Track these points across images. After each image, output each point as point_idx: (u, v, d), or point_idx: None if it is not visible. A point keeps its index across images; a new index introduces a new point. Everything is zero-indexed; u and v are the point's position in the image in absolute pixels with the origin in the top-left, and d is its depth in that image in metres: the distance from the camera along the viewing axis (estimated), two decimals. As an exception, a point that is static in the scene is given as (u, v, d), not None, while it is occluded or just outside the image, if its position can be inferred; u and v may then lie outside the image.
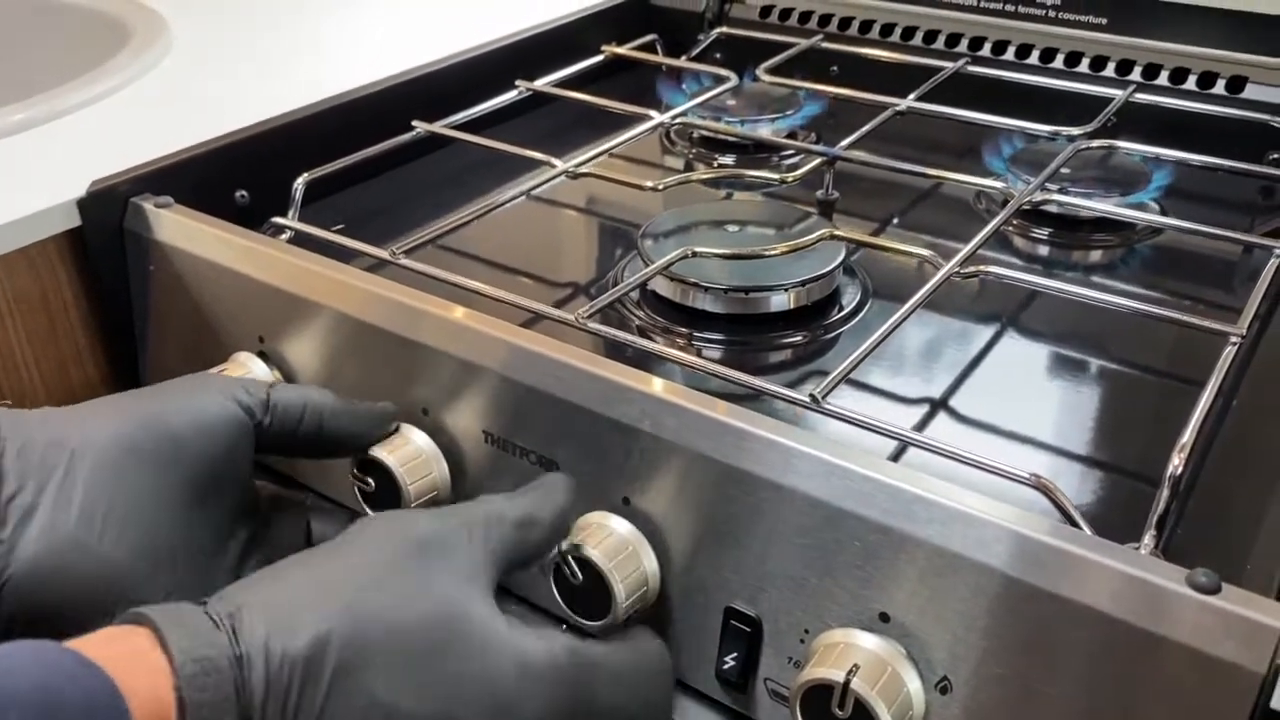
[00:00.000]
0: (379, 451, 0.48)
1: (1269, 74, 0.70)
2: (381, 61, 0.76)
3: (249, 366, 0.55)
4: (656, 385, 0.44)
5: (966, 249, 0.53)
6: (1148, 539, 0.39)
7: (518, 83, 0.77)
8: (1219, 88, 0.72)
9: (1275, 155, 0.69)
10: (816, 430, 0.43)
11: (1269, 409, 0.49)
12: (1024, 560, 0.36)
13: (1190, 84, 0.73)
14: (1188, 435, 0.41)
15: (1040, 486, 0.39)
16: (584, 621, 0.44)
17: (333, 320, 0.52)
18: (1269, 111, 0.69)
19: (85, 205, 0.58)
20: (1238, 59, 0.71)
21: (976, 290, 0.58)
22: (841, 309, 0.57)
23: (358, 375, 0.52)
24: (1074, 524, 0.38)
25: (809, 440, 0.40)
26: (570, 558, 0.43)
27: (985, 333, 0.55)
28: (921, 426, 0.48)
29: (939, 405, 0.50)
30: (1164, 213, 0.66)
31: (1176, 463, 0.40)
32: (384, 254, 0.55)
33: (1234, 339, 0.46)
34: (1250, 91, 0.71)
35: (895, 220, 0.67)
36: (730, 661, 0.43)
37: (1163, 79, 0.74)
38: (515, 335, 0.47)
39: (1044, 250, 0.64)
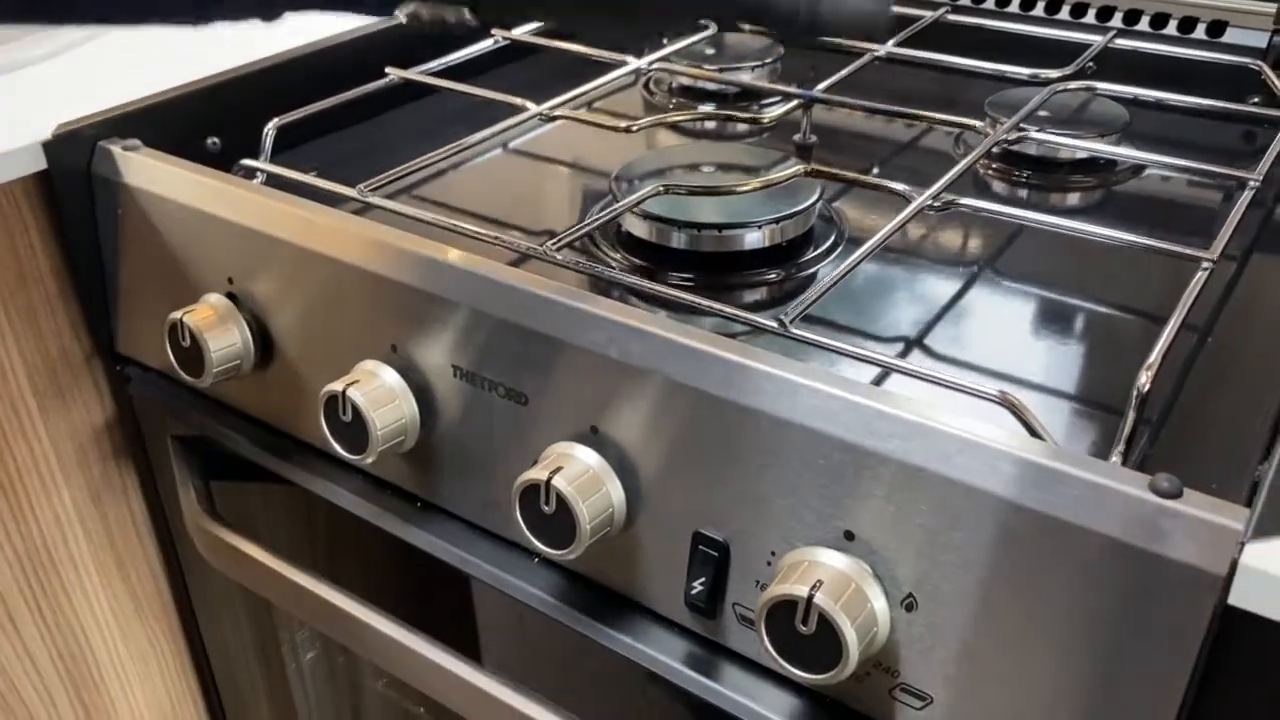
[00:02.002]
0: (348, 389, 0.48)
1: (1249, 18, 0.70)
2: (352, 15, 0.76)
3: (217, 308, 0.55)
4: (622, 311, 0.43)
5: (940, 183, 0.53)
6: (1115, 456, 0.39)
7: (495, 31, 0.76)
8: (1199, 32, 0.72)
9: (1256, 99, 0.69)
10: (787, 360, 0.43)
11: (1245, 339, 0.48)
12: (986, 472, 0.36)
13: (1171, 29, 0.72)
14: (1154, 355, 0.41)
15: (1007, 403, 0.39)
16: (550, 551, 0.44)
17: (301, 258, 0.52)
18: (1249, 55, 0.68)
19: (51, 148, 0.58)
20: (1218, 4, 0.71)
21: (953, 232, 0.58)
22: (817, 249, 0.57)
23: (327, 313, 0.52)
24: (1039, 437, 0.38)
25: (771, 360, 0.40)
26: (539, 487, 0.43)
27: (963, 273, 0.55)
28: (897, 358, 0.48)
29: (915, 341, 0.50)
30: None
31: (1143, 380, 0.39)
32: (352, 192, 0.55)
33: (1205, 264, 0.46)
34: (1231, 35, 0.70)
35: (875, 169, 0.67)
36: (698, 587, 0.43)
37: (1143, 24, 0.73)
38: (483, 267, 0.47)
39: (1023, 192, 0.63)
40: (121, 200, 0.59)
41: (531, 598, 0.48)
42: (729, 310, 0.45)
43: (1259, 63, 0.68)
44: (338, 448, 0.50)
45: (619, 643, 0.45)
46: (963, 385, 0.40)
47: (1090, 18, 0.75)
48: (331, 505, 0.55)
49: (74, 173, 0.59)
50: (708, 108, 0.75)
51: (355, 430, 0.49)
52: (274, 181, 0.58)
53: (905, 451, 0.37)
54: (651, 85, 0.78)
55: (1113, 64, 0.72)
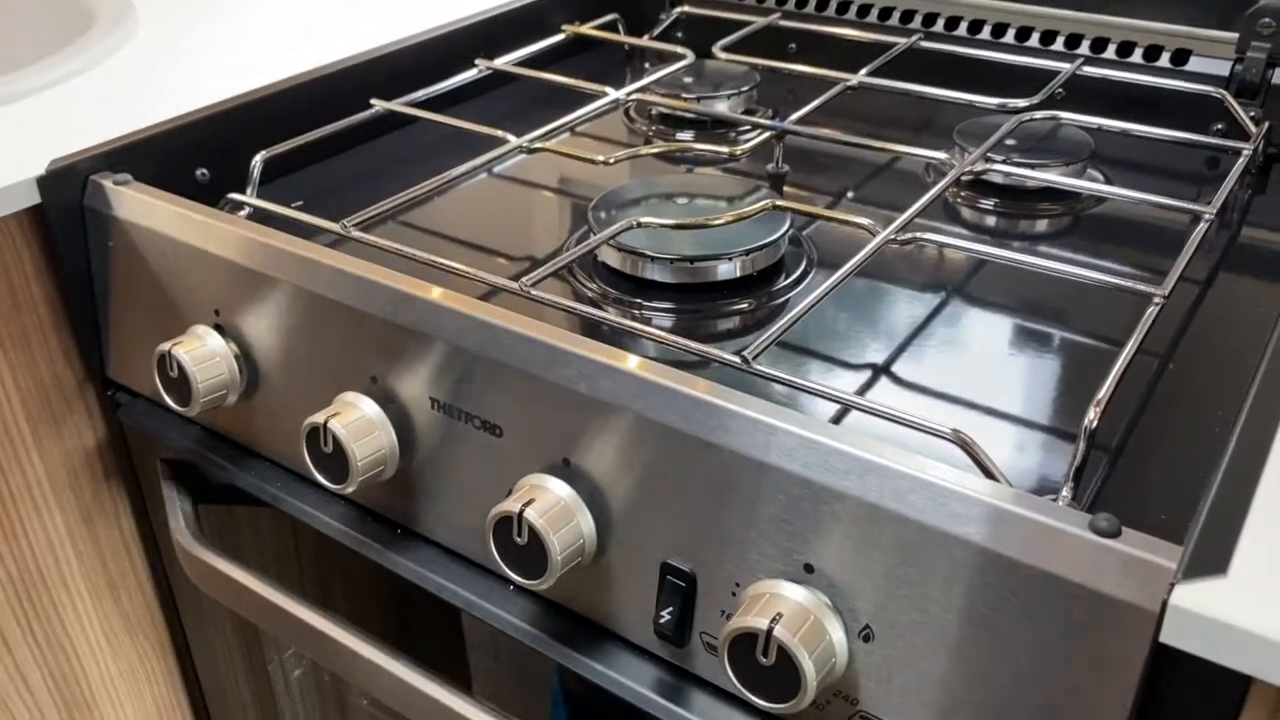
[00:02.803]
0: (329, 421, 0.50)
1: (1213, 47, 0.71)
2: (345, 42, 0.77)
3: (205, 339, 0.56)
4: (592, 348, 0.45)
5: (903, 217, 0.55)
6: (1066, 491, 0.40)
7: (478, 61, 0.78)
8: (1164, 60, 0.73)
9: (1219, 126, 0.71)
10: (757, 395, 0.44)
11: (1200, 373, 0.50)
12: (938, 510, 0.37)
13: (1136, 56, 0.74)
14: (1104, 390, 0.42)
15: (959, 441, 0.40)
16: (523, 580, 0.45)
17: (285, 292, 0.53)
18: (1213, 84, 0.70)
19: (45, 183, 0.59)
20: (1183, 32, 0.72)
21: (921, 259, 0.60)
22: (788, 277, 0.58)
23: (309, 345, 0.53)
24: (990, 475, 0.39)
25: (733, 398, 0.41)
26: (512, 519, 0.45)
27: (929, 301, 0.56)
28: (861, 391, 0.49)
29: (879, 370, 0.51)
30: (1108, 183, 0.67)
31: (1092, 416, 0.41)
32: (336, 228, 0.56)
33: (1156, 299, 0.48)
34: (1195, 64, 0.72)
35: (849, 194, 0.68)
36: (666, 615, 0.44)
37: (1110, 52, 0.75)
38: (459, 303, 0.48)
39: (990, 220, 0.65)
40: (113, 233, 0.60)
41: (507, 624, 0.49)
42: (694, 346, 0.46)
43: (1221, 91, 0.69)
44: (320, 477, 0.51)
45: (591, 670, 0.47)
46: (918, 423, 0.41)
47: (1059, 45, 0.77)
48: (318, 533, 0.56)
49: (67, 206, 0.60)
50: (686, 135, 0.76)
51: (336, 461, 0.50)
52: (260, 215, 0.59)
53: (861, 489, 0.38)
54: (632, 113, 0.80)
55: (1080, 91, 0.74)
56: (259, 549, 0.66)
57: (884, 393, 0.49)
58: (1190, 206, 0.56)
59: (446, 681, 0.51)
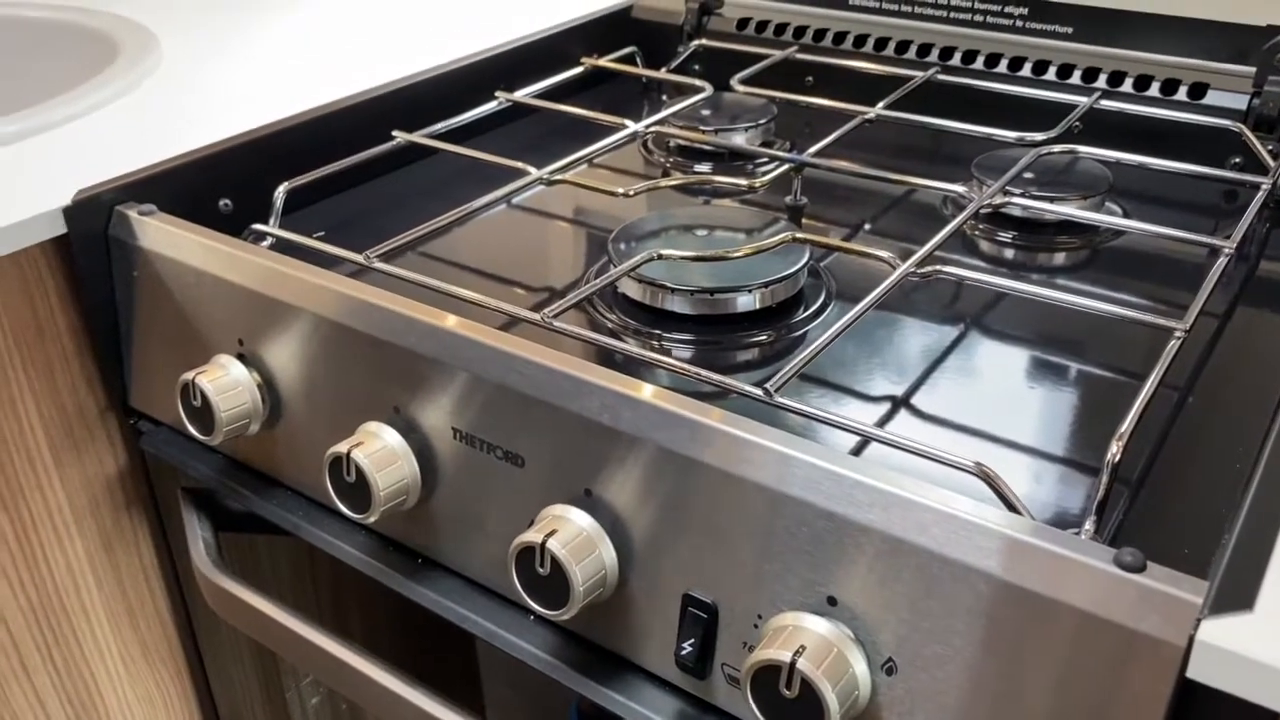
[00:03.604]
0: (352, 451, 0.50)
1: (1230, 80, 0.72)
2: (366, 75, 0.78)
3: (228, 368, 0.57)
4: (614, 379, 0.45)
5: (924, 250, 0.55)
6: (1089, 524, 0.40)
7: (498, 94, 0.79)
8: (1181, 94, 0.74)
9: (1236, 160, 0.71)
10: (776, 426, 0.44)
11: (1220, 407, 0.50)
12: (961, 544, 0.37)
13: (1154, 90, 0.74)
14: (1126, 424, 0.42)
15: (982, 474, 0.41)
16: (545, 611, 0.45)
17: (309, 322, 0.54)
18: (1230, 117, 0.70)
19: (71, 213, 0.60)
20: (1200, 66, 0.73)
21: (940, 292, 0.60)
22: (807, 309, 0.59)
23: (332, 375, 0.54)
24: (1013, 509, 0.39)
25: (756, 430, 0.42)
26: (534, 549, 0.45)
27: (948, 333, 0.56)
28: (881, 423, 0.50)
29: (899, 402, 0.51)
30: (1126, 216, 0.67)
31: (1114, 450, 0.41)
32: (359, 258, 0.57)
33: (1178, 333, 0.48)
34: (1212, 98, 0.72)
35: (866, 226, 0.69)
36: (688, 647, 0.44)
37: (1127, 86, 0.75)
38: (481, 334, 0.49)
39: (1009, 253, 0.65)
40: (137, 263, 0.61)
41: (527, 655, 0.49)
42: (716, 378, 0.46)
43: (1239, 125, 0.70)
44: (342, 507, 0.52)
45: (612, 700, 0.47)
46: (941, 456, 0.41)
47: (1076, 79, 0.77)
48: (335, 559, 0.57)
49: (92, 236, 0.61)
50: (704, 167, 0.77)
51: (359, 490, 0.51)
52: (283, 246, 0.60)
53: (885, 522, 0.38)
54: (650, 145, 0.80)
55: (1098, 124, 0.74)
56: (276, 577, 0.66)
57: (904, 425, 0.50)
58: (1209, 240, 0.56)
59: (463, 710, 0.51)
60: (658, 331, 0.57)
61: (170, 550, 0.71)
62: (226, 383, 0.56)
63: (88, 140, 0.69)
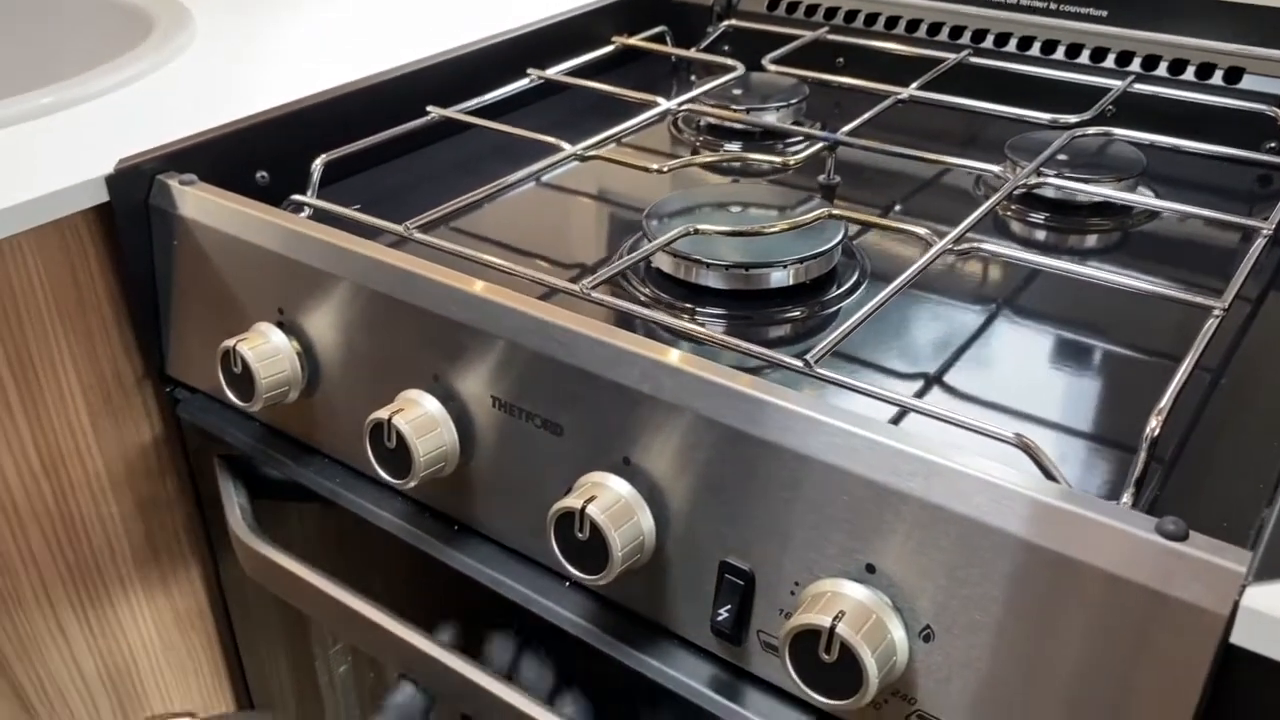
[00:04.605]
0: (393, 417, 0.51)
1: (1266, 65, 0.72)
2: (400, 50, 0.79)
3: (268, 336, 0.57)
4: (655, 349, 0.46)
5: (960, 227, 0.55)
6: (1126, 497, 0.40)
7: (530, 71, 0.79)
8: (1217, 78, 0.73)
9: (1272, 144, 0.71)
10: (813, 398, 0.45)
11: (1253, 387, 0.50)
12: (1003, 511, 0.38)
13: (1189, 74, 0.74)
14: (1165, 400, 0.42)
15: (1022, 445, 0.41)
16: (583, 576, 0.46)
17: (349, 291, 0.54)
18: (1266, 102, 0.70)
19: (113, 181, 0.61)
20: (1235, 50, 0.72)
21: (972, 272, 0.60)
22: (840, 287, 0.59)
23: (372, 344, 0.54)
24: (1053, 479, 0.40)
25: (797, 399, 0.42)
26: (574, 515, 0.45)
27: (980, 312, 0.57)
28: (916, 397, 0.50)
29: (932, 379, 0.52)
30: (1160, 199, 0.67)
31: (1154, 424, 0.41)
32: (399, 229, 0.57)
33: (1216, 312, 0.48)
34: (1247, 82, 0.72)
35: (897, 206, 0.69)
36: (724, 614, 0.45)
37: (1161, 69, 0.75)
38: (523, 304, 0.49)
39: (1041, 234, 0.65)
40: (177, 232, 0.62)
41: (563, 620, 0.50)
42: (756, 349, 0.47)
43: (1275, 109, 0.69)
44: (381, 473, 0.52)
45: (646, 665, 0.47)
46: (981, 427, 0.42)
47: (1110, 62, 0.77)
48: (367, 526, 0.57)
49: (133, 205, 0.62)
50: (734, 146, 0.77)
51: (398, 456, 0.51)
52: (321, 216, 0.60)
53: (926, 490, 0.39)
54: (679, 123, 0.81)
55: (1131, 107, 0.74)
56: (306, 543, 0.67)
57: (938, 400, 0.50)
58: (1247, 222, 0.56)
59: (493, 670, 0.52)
60: (690, 306, 0.57)
61: (204, 518, 0.72)
62: (266, 350, 0.56)
63: (124, 113, 0.70)
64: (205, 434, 0.66)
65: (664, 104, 0.73)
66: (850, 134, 0.68)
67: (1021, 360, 0.53)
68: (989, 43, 0.82)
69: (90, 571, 0.68)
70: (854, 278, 0.60)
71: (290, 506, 0.66)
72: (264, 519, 0.67)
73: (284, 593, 0.62)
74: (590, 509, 0.45)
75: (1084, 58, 0.78)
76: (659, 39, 0.90)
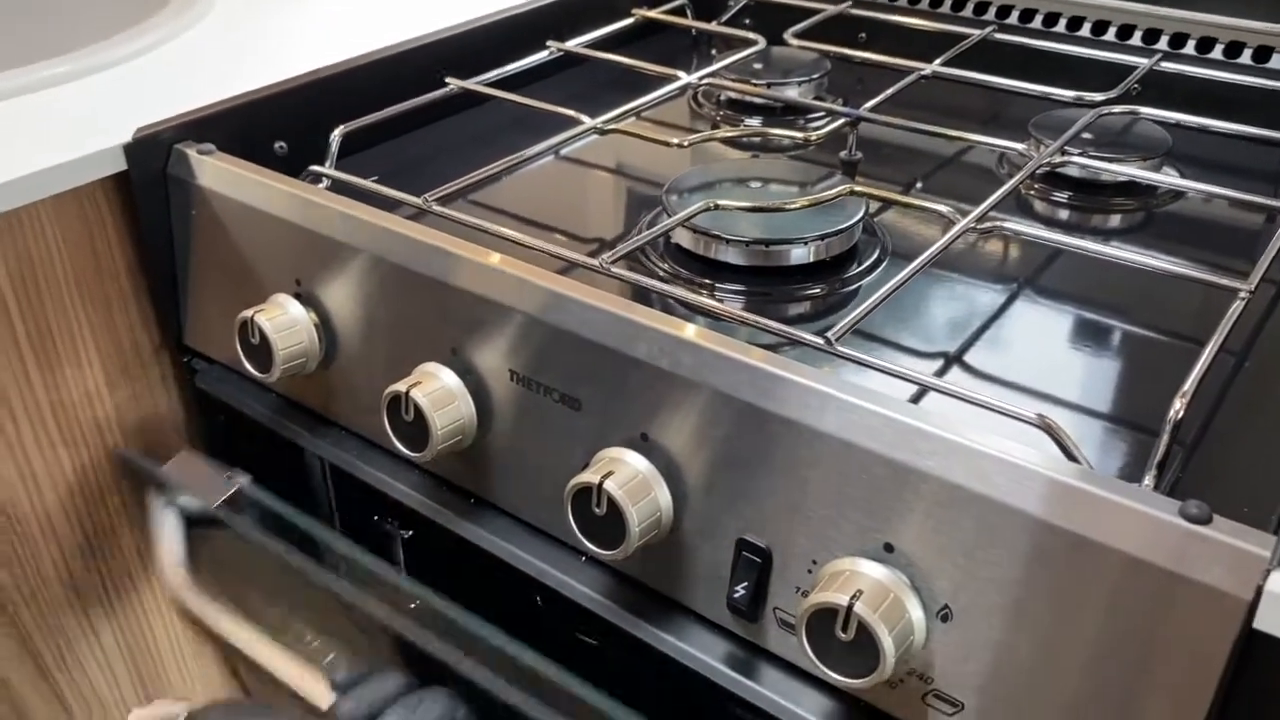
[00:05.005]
0: (411, 390, 0.50)
1: (1296, 44, 0.71)
2: (421, 21, 0.78)
3: (286, 307, 0.57)
4: (674, 325, 0.45)
5: (983, 206, 0.55)
6: (1148, 479, 0.40)
7: (549, 43, 0.78)
8: (1245, 57, 0.72)
9: (1300, 124, 0.70)
10: (833, 375, 0.44)
11: (1276, 372, 0.49)
12: (1023, 492, 0.37)
13: (1216, 53, 0.73)
14: (1189, 383, 0.42)
15: (1044, 426, 0.41)
16: (600, 551, 0.46)
17: (367, 263, 0.54)
18: (1295, 81, 0.69)
19: (131, 150, 0.61)
20: (1265, 29, 0.71)
21: (994, 251, 0.60)
22: (861, 264, 0.58)
23: (390, 316, 0.54)
24: (1074, 460, 0.39)
25: (817, 376, 0.42)
26: (591, 490, 0.45)
27: (1001, 292, 0.56)
28: (937, 376, 0.49)
29: (953, 358, 0.51)
30: (1184, 179, 0.66)
31: (1177, 407, 0.41)
32: (418, 201, 0.57)
33: (1242, 294, 0.47)
34: (1276, 61, 0.71)
35: (919, 184, 0.68)
36: (741, 591, 0.45)
37: (1189, 48, 0.74)
38: (542, 278, 0.49)
39: (1064, 214, 0.65)
40: (195, 201, 0.61)
41: (579, 594, 0.50)
42: (776, 326, 0.46)
43: (1304, 89, 0.68)
44: (399, 445, 0.52)
45: (662, 641, 0.47)
46: (1003, 407, 0.41)
47: (1136, 39, 0.76)
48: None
49: (151, 174, 0.62)
50: (755, 121, 0.76)
51: (416, 429, 0.51)
52: (340, 187, 0.60)
53: (946, 469, 0.39)
54: (699, 97, 0.80)
55: (1158, 86, 0.73)
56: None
57: (958, 380, 0.50)
58: (1274, 203, 0.55)
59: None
60: (710, 282, 0.57)
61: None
62: (284, 321, 0.56)
63: (142, 81, 0.70)
64: (221, 404, 0.67)
65: (684, 78, 0.72)
66: (872, 110, 0.67)
67: (1043, 340, 0.53)
68: (1014, 19, 0.80)
69: (108, 544, 0.68)
70: (875, 255, 0.59)
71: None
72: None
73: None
74: (608, 484, 0.45)
75: (1110, 34, 0.77)
76: (679, 12, 0.89)
